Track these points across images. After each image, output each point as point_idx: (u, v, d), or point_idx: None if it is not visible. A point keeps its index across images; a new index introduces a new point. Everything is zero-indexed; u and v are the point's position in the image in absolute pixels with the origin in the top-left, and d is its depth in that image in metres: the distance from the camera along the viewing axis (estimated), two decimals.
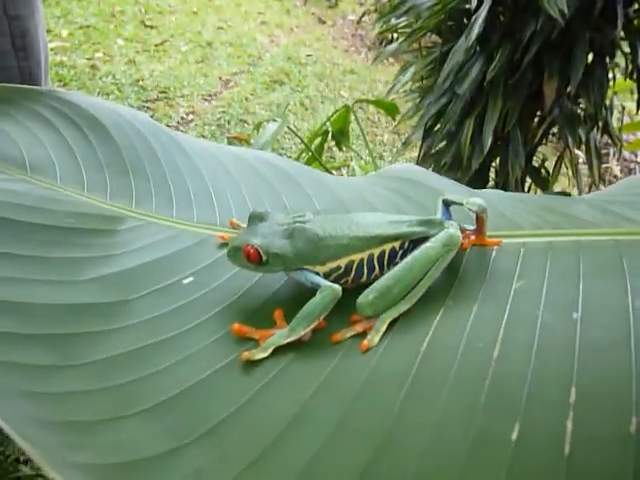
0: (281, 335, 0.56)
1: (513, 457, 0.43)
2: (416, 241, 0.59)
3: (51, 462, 0.40)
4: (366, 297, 0.56)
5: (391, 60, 4.79)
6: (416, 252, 0.58)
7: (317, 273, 0.59)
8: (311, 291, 0.58)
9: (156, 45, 4.46)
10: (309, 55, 4.78)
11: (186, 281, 0.66)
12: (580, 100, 2.00)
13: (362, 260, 0.59)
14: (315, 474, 0.45)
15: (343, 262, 0.59)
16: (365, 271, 0.59)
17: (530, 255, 0.61)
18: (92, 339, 0.57)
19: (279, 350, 0.55)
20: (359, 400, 0.50)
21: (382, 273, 0.58)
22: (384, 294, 0.55)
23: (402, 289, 0.56)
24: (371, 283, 0.57)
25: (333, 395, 0.51)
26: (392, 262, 0.59)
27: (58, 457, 0.42)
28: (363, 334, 0.55)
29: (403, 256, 0.59)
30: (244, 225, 0.68)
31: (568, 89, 1.80)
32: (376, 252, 0.59)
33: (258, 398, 0.52)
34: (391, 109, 2.37)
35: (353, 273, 0.59)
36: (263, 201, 0.78)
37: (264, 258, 0.58)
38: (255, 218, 0.61)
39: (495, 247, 0.63)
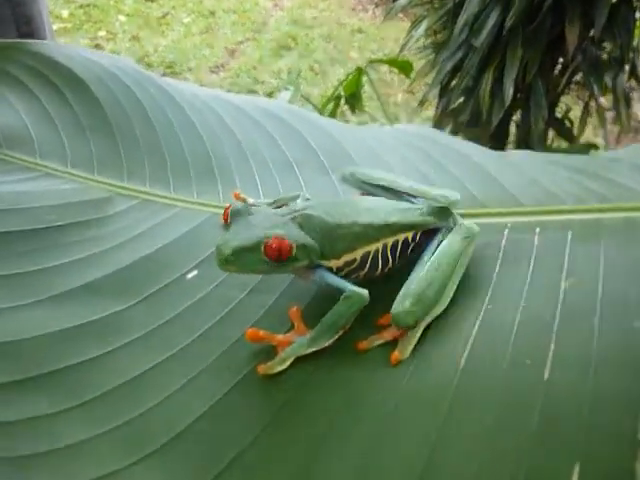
0: (301, 344, 0.47)
1: None
2: (427, 232, 0.53)
3: None
4: (402, 305, 0.48)
5: (400, 15, 4.59)
6: (440, 249, 0.51)
7: (330, 269, 0.49)
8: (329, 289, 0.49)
9: (158, 19, 4.35)
10: (315, 17, 4.61)
11: (190, 275, 0.54)
12: (605, 44, 1.88)
13: (377, 251, 0.51)
14: None
15: (359, 254, 0.50)
16: (380, 263, 0.51)
17: (579, 241, 0.50)
18: (86, 369, 0.46)
19: (299, 359, 0.46)
20: (392, 422, 0.41)
21: (394, 266, 0.52)
22: (421, 298, 0.48)
23: (437, 290, 0.48)
24: (383, 276, 0.51)
25: (364, 416, 0.42)
26: (404, 254, 0.52)
27: None
28: (392, 342, 0.47)
29: (415, 248, 0.53)
30: (250, 200, 0.60)
31: (591, 33, 1.70)
32: (390, 242, 0.52)
33: (280, 420, 0.43)
34: (405, 67, 2.28)
35: (368, 266, 0.51)
36: (269, 164, 0.66)
37: (294, 252, 0.46)
38: (239, 213, 0.48)
39: (537, 229, 0.53)
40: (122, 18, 4.29)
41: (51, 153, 0.68)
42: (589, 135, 2.74)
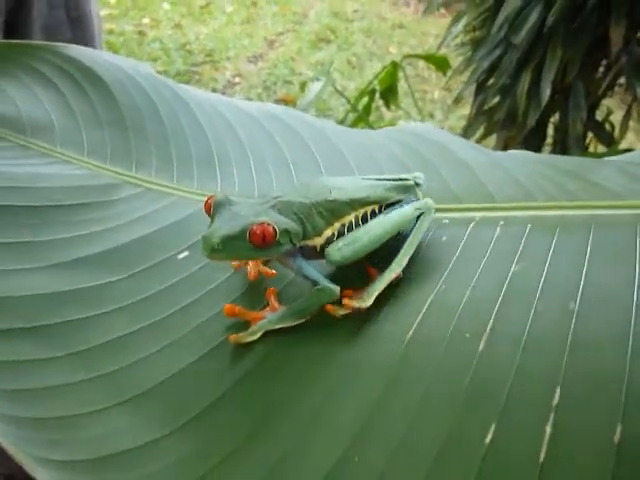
0: (271, 321, 0.52)
1: (483, 461, 0.39)
2: (391, 204, 0.59)
3: (27, 462, 0.39)
4: (335, 244, 0.54)
5: (442, 11, 4.56)
6: (388, 211, 0.57)
7: (314, 248, 0.54)
8: (305, 279, 0.54)
9: (201, 7, 4.43)
10: (356, 10, 4.63)
11: (181, 256, 0.60)
12: None
13: (351, 223, 0.56)
14: (284, 470, 0.42)
15: (335, 228, 0.55)
16: None
17: (536, 233, 0.55)
18: (79, 327, 0.53)
19: (269, 333, 0.52)
20: (338, 389, 0.46)
21: None
22: (352, 242, 0.54)
23: (371, 240, 0.54)
24: None
25: (314, 385, 0.47)
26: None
27: (34, 456, 0.41)
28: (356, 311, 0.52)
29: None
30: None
31: (638, 34, 1.68)
32: (360, 214, 0.57)
33: (243, 385, 0.49)
34: (442, 64, 2.27)
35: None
36: (267, 163, 0.72)
37: (277, 237, 0.50)
38: (221, 204, 0.52)
39: (501, 221, 0.57)
40: (166, 6, 4.39)
41: (70, 142, 0.75)
42: (632, 141, 2.70)
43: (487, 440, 0.40)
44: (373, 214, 0.57)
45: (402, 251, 0.54)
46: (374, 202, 0.57)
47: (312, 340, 0.50)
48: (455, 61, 2.30)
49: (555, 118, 2.07)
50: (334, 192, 0.56)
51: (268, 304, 0.54)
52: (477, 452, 0.39)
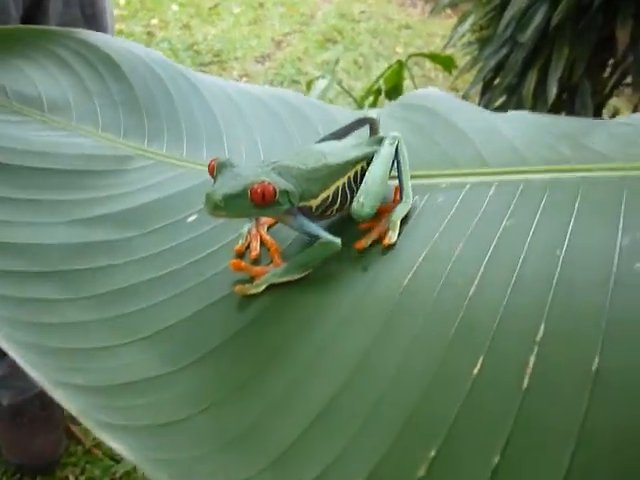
0: (274, 274, 0.56)
1: (471, 391, 0.43)
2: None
3: (46, 382, 0.42)
4: (357, 201, 0.58)
5: (449, 12, 4.61)
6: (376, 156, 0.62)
7: (310, 208, 0.58)
8: (307, 235, 0.58)
9: (209, 8, 4.47)
10: (362, 12, 4.67)
11: (190, 219, 0.65)
12: None
13: (344, 185, 0.60)
14: (287, 401, 0.46)
15: (331, 190, 0.59)
16: (347, 196, 0.60)
17: (528, 193, 0.58)
18: (96, 275, 0.58)
19: (272, 286, 0.56)
20: (339, 331, 0.50)
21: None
22: (368, 193, 0.58)
23: (380, 183, 0.59)
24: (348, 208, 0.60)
25: (317, 328, 0.51)
26: (360, 183, 0.62)
27: (52, 379, 0.44)
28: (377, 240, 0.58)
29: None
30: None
31: None
32: (352, 174, 0.61)
33: (248, 330, 0.53)
34: (447, 63, 2.29)
35: (338, 200, 0.60)
36: (275, 141, 0.76)
37: (277, 196, 0.54)
38: (223, 166, 0.55)
39: (495, 183, 0.60)
40: (175, 7, 4.43)
41: (86, 119, 0.80)
42: None
43: (475, 371, 0.43)
44: (362, 171, 0.62)
45: (404, 183, 0.60)
46: (363, 159, 0.62)
47: (314, 290, 0.54)
48: (462, 61, 2.31)
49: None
50: (329, 157, 0.60)
51: (272, 261, 0.58)
52: (466, 381, 0.43)
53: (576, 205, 0.54)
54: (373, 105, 2.24)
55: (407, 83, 2.36)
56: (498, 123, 0.69)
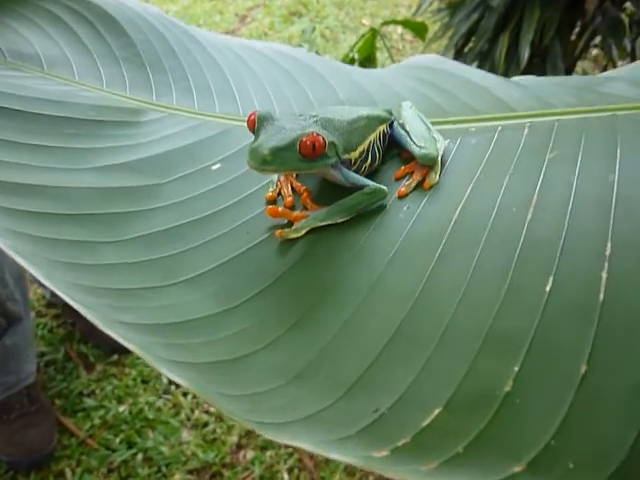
0: (316, 217, 0.55)
1: (546, 304, 0.42)
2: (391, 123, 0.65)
3: (100, 320, 0.40)
4: (419, 148, 0.58)
5: None
6: (405, 120, 0.63)
7: (350, 161, 0.57)
8: (346, 189, 0.56)
9: None
10: None
11: (214, 167, 0.63)
12: (625, 5, 1.89)
13: (375, 140, 0.61)
14: (350, 333, 0.45)
15: (366, 144, 0.59)
16: (377, 152, 0.61)
17: (564, 130, 0.58)
18: (129, 219, 0.56)
19: (311, 230, 0.54)
20: (392, 265, 0.49)
21: (381, 157, 0.62)
22: (423, 138, 0.59)
23: (426, 131, 0.61)
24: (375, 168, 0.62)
25: (366, 263, 0.50)
26: (384, 144, 0.63)
27: (106, 317, 0.43)
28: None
29: (386, 136, 0.64)
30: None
31: None
32: (380, 131, 0.62)
33: (295, 270, 0.51)
34: (420, 29, 2.27)
35: (370, 156, 0.60)
36: (285, 93, 0.74)
37: (326, 148, 0.52)
38: (265, 119, 0.53)
39: (527, 124, 0.60)
40: None
41: (88, 75, 0.77)
42: None
43: (547, 288, 0.43)
44: (385, 133, 0.63)
45: (432, 133, 0.60)
46: (384, 120, 0.63)
47: (358, 231, 0.53)
48: (431, 29, 2.31)
49: None
50: (361, 111, 0.60)
51: (307, 208, 0.57)
52: (539, 297, 0.43)
53: (618, 138, 0.55)
54: None
55: (378, 55, 2.33)
56: (512, 81, 0.70)
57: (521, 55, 1.84)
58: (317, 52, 2.05)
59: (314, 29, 2.55)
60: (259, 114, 0.53)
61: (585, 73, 2.13)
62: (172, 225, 0.55)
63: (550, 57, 1.92)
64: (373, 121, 0.61)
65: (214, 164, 0.63)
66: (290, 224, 0.55)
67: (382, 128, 0.62)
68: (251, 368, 0.43)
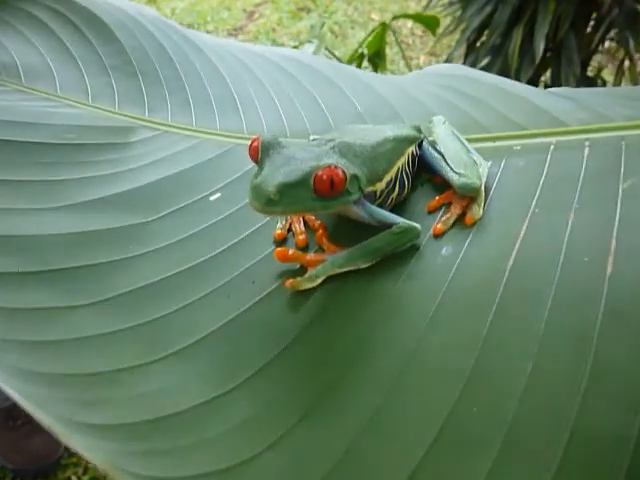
0: (334, 262, 0.45)
1: None
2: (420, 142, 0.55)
3: (61, 428, 0.31)
4: (458, 175, 0.49)
5: None
6: (438, 138, 0.54)
7: (374, 193, 0.47)
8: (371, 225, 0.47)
9: None
10: None
11: (213, 198, 0.54)
12: None
13: (404, 166, 0.50)
14: (382, 427, 0.35)
15: (393, 172, 0.49)
16: (405, 180, 0.51)
17: (635, 150, 0.48)
18: (107, 271, 0.46)
19: (329, 278, 0.45)
20: (433, 328, 0.39)
21: (410, 185, 0.52)
22: (465, 164, 0.50)
23: (465, 153, 0.51)
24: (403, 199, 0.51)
25: (399, 324, 0.40)
26: (413, 169, 0.53)
27: (69, 421, 0.34)
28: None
29: (415, 162, 0.53)
30: None
31: None
32: (408, 154, 0.52)
33: (308, 334, 0.42)
34: (431, 23, 2.20)
35: (398, 184, 0.50)
36: (295, 104, 0.65)
37: (347, 184, 0.42)
38: (271, 147, 0.43)
39: (587, 143, 0.50)
40: None
41: (72, 87, 0.68)
42: None
43: None
44: (413, 156, 0.53)
45: (471, 154, 0.51)
46: (413, 140, 0.53)
47: (387, 278, 0.44)
48: (442, 24, 2.24)
49: (546, 77, 2.02)
50: (387, 131, 0.50)
51: (323, 249, 0.47)
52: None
53: None
54: None
55: (387, 50, 2.26)
56: (552, 92, 0.60)
57: (535, 49, 1.77)
58: (326, 48, 1.96)
59: (323, 24, 2.44)
60: (263, 140, 0.43)
61: (601, 67, 2.04)
62: (161, 277, 0.46)
63: (565, 51, 1.86)
64: (401, 143, 0.51)
65: (213, 194, 0.54)
66: (303, 270, 0.45)
67: (411, 150, 0.52)
68: (257, 475, 0.33)
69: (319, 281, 0.44)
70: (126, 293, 0.44)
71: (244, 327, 0.42)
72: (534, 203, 0.46)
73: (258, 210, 0.40)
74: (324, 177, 0.40)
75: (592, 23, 1.90)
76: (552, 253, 0.41)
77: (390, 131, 0.51)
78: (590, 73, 2.04)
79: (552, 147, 0.51)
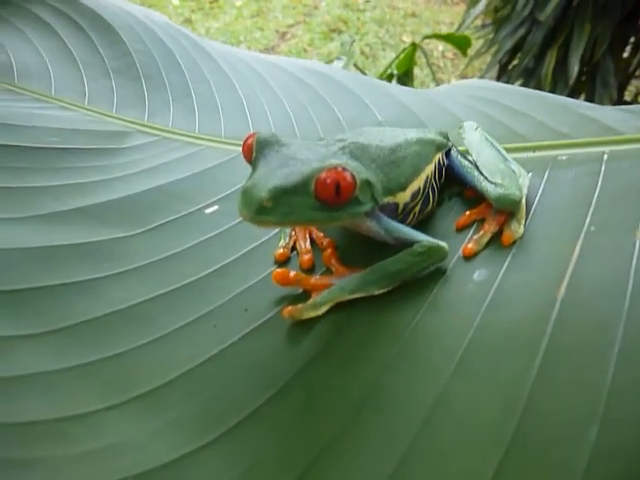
0: (343, 287, 0.37)
1: None
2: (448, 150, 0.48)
3: None
4: (494, 186, 0.42)
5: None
6: (470, 145, 0.47)
7: (396, 206, 0.40)
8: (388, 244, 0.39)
9: (210, 2, 4.36)
10: (367, 1, 4.52)
11: (209, 210, 0.47)
12: None
13: (431, 174, 0.43)
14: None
15: (421, 181, 0.41)
16: (431, 193, 0.43)
17: None
18: (70, 294, 0.39)
19: (339, 306, 0.37)
20: (461, 374, 0.32)
21: (437, 196, 0.45)
22: (503, 173, 0.42)
23: (503, 162, 0.44)
24: (429, 213, 0.44)
25: (420, 366, 0.33)
26: (440, 180, 0.45)
27: None
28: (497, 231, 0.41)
29: (443, 169, 0.46)
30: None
31: None
32: (435, 162, 0.44)
33: (310, 374, 0.34)
34: (462, 43, 2.17)
35: (424, 197, 0.42)
36: (309, 113, 0.59)
37: (356, 190, 0.35)
38: (267, 145, 0.36)
39: None
40: (175, 1, 4.32)
41: (68, 89, 0.63)
42: None
43: None
44: (440, 164, 0.45)
45: (509, 163, 0.44)
46: (441, 147, 0.46)
47: (407, 308, 0.36)
48: (473, 46, 2.19)
49: (581, 100, 1.96)
50: (409, 134, 0.43)
51: (328, 270, 0.40)
52: None
53: None
54: None
55: (416, 71, 2.22)
56: (596, 106, 0.53)
57: (570, 71, 1.73)
58: (355, 64, 1.92)
59: (353, 42, 2.39)
60: (259, 137, 0.35)
61: (639, 92, 1.97)
62: (135, 301, 0.39)
63: (601, 74, 1.81)
64: (427, 147, 0.43)
65: (209, 205, 0.47)
66: (306, 296, 0.38)
67: (438, 157, 0.45)
68: None
69: (324, 310, 0.37)
70: (88, 321, 0.37)
71: (229, 365, 0.35)
72: (588, 220, 0.38)
73: (247, 219, 0.33)
74: (328, 181, 0.33)
75: (630, 47, 1.85)
76: (616, 280, 0.33)
77: (413, 134, 0.43)
78: (627, 97, 1.97)
79: (606, 157, 0.43)
